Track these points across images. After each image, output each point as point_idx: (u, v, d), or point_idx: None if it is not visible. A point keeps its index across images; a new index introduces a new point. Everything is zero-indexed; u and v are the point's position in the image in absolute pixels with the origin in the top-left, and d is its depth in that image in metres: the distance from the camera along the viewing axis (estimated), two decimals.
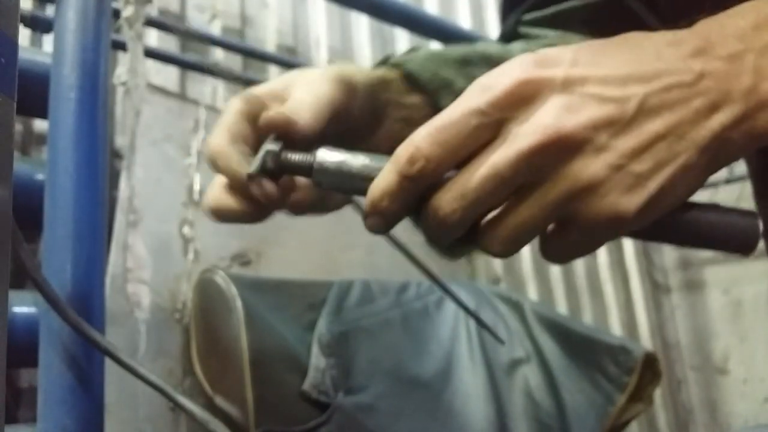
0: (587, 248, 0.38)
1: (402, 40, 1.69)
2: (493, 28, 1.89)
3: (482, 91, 0.35)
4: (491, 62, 0.55)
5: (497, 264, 1.63)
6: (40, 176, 0.79)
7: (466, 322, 1.13)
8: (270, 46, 1.42)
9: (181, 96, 1.19)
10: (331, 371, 0.93)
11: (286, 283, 1.02)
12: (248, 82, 1.32)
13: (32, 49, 1.02)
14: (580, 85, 0.35)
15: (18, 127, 1.08)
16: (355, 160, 0.40)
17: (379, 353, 1.00)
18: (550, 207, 0.35)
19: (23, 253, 0.57)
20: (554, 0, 0.64)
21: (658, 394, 1.86)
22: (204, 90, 1.28)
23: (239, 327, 0.89)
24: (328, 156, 0.40)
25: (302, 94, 0.45)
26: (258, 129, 0.44)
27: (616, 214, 0.35)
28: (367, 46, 1.61)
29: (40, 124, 1.09)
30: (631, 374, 1.15)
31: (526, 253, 1.71)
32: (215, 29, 1.33)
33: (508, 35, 0.67)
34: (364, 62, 1.60)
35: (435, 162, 0.36)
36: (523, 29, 0.65)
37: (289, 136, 0.43)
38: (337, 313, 1.01)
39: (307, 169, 0.41)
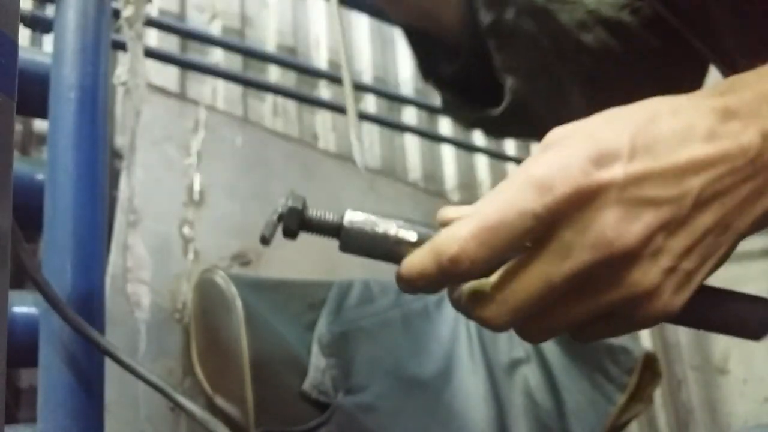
0: (619, 334, 0.38)
1: (402, 40, 1.69)
2: None
3: (540, 193, 0.33)
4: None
5: None
6: (40, 176, 0.79)
7: (466, 322, 1.13)
8: (270, 46, 1.42)
9: (181, 96, 1.19)
10: (331, 371, 0.93)
11: (286, 283, 1.02)
12: (248, 83, 1.32)
13: (32, 49, 1.02)
14: (637, 187, 0.33)
15: (18, 127, 1.08)
16: (387, 224, 0.38)
17: (379, 353, 1.00)
18: (602, 311, 0.35)
19: (23, 253, 0.57)
20: None
21: (658, 394, 1.86)
22: (204, 90, 1.28)
23: (239, 327, 0.89)
24: (357, 217, 0.38)
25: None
26: None
27: (665, 313, 0.35)
28: (367, 46, 1.61)
29: (40, 124, 1.09)
30: (631, 374, 1.15)
31: None
32: (215, 29, 1.33)
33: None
34: (364, 62, 1.60)
35: (480, 264, 0.34)
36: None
37: None
38: (337, 313, 1.01)
39: (335, 230, 0.39)
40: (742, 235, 0.36)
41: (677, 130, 0.34)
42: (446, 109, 0.62)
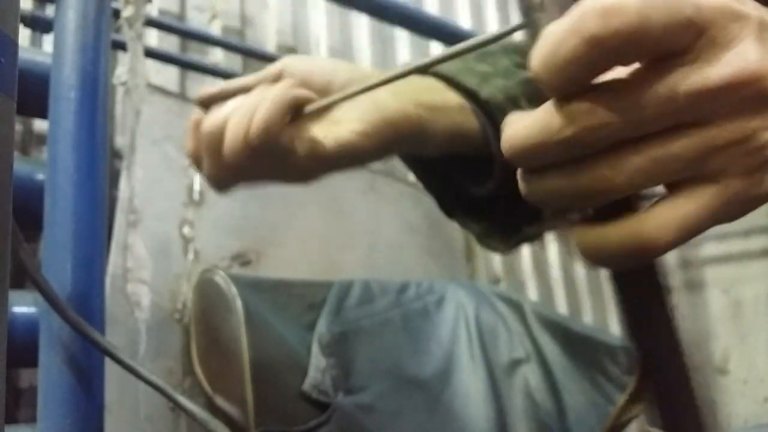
0: (714, 223, 0.30)
1: (402, 40, 1.69)
2: (492, 27, 1.90)
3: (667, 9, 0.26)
4: (511, 50, 0.55)
5: (497, 264, 1.63)
6: (40, 176, 0.79)
7: (466, 322, 1.13)
8: (270, 46, 1.42)
9: (181, 96, 1.19)
10: (331, 371, 0.93)
11: (286, 283, 1.02)
12: None
13: (32, 49, 1.02)
14: None
15: (18, 127, 1.08)
16: None
17: (379, 353, 1.00)
18: (720, 143, 0.28)
19: (23, 253, 0.57)
20: None
21: None
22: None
23: (239, 327, 0.89)
24: None
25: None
26: None
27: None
28: (367, 46, 1.61)
29: (40, 124, 1.09)
30: (631, 374, 1.15)
31: (526, 253, 1.71)
32: (215, 29, 1.33)
33: None
34: (364, 62, 1.60)
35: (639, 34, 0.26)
36: None
37: None
38: (337, 313, 1.01)
39: None
40: None
41: None
42: (482, 241, 0.62)
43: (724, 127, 0.27)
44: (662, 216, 0.28)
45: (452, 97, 0.53)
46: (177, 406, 0.59)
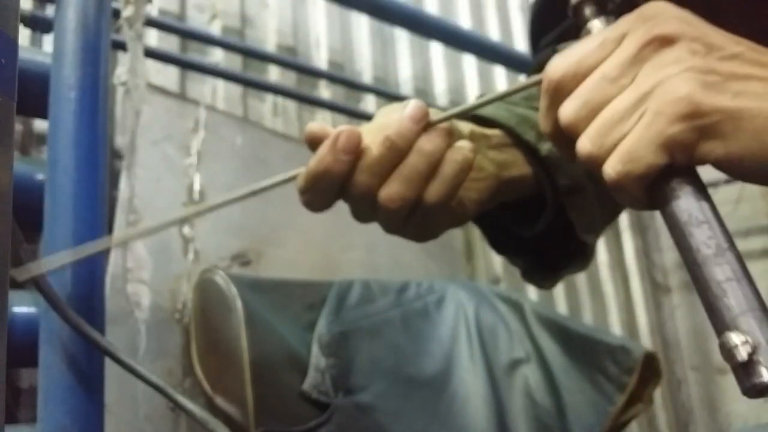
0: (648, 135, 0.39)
1: (402, 40, 1.69)
2: (492, 27, 1.89)
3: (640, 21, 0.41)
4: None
5: (497, 264, 1.63)
6: (40, 176, 0.80)
7: (466, 322, 1.13)
8: (270, 46, 1.42)
9: (181, 96, 1.19)
10: (331, 371, 0.93)
11: (286, 283, 1.02)
12: (248, 83, 1.32)
13: (32, 49, 1.02)
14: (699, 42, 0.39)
15: (18, 127, 1.08)
16: None
17: (379, 353, 1.00)
18: (638, 96, 0.39)
19: (23, 253, 0.57)
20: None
21: (658, 394, 1.86)
22: (204, 90, 1.28)
23: (239, 327, 0.89)
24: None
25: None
26: None
27: (687, 99, 0.37)
28: (367, 46, 1.61)
29: (40, 124, 1.09)
30: (631, 374, 1.15)
31: None
32: (215, 29, 1.33)
33: (545, 61, 0.70)
34: (364, 62, 1.60)
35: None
36: None
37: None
38: (337, 313, 1.01)
39: None
40: None
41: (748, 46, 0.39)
42: (526, 276, 0.67)
43: (647, 75, 0.39)
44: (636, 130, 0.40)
45: (514, 152, 0.58)
46: (177, 406, 0.60)
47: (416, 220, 0.51)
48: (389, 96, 1.54)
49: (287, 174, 0.50)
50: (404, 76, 1.67)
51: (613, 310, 1.89)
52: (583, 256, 0.63)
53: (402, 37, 1.69)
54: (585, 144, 0.40)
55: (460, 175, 0.49)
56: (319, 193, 0.50)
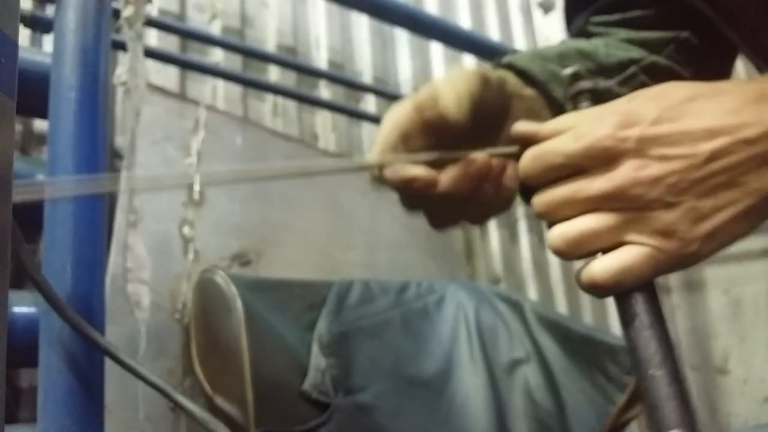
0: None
1: (402, 40, 1.69)
2: (492, 28, 1.89)
3: (575, 140, 0.44)
4: (584, 56, 0.62)
5: (497, 264, 1.63)
6: (40, 176, 0.80)
7: (466, 322, 1.13)
8: (270, 46, 1.42)
9: (181, 96, 1.19)
10: (331, 371, 0.93)
11: (286, 283, 1.02)
12: (248, 83, 1.32)
13: (32, 49, 1.02)
14: (652, 146, 0.41)
15: (18, 127, 1.08)
16: None
17: (379, 353, 1.00)
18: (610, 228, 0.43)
19: (23, 253, 0.57)
20: (619, 4, 0.68)
21: None
22: (204, 90, 1.28)
23: (239, 327, 0.89)
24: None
25: (447, 91, 0.50)
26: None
27: (685, 250, 0.41)
28: (367, 46, 1.61)
29: (40, 124, 1.09)
30: (631, 374, 1.15)
31: (526, 253, 1.71)
32: (215, 29, 1.33)
33: (579, 32, 0.72)
34: (364, 62, 1.60)
35: (536, 179, 0.46)
36: (593, 29, 0.70)
37: (442, 129, 0.49)
38: (337, 313, 1.01)
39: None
40: (761, 197, 0.41)
41: (708, 106, 0.41)
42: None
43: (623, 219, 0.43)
44: (603, 261, 0.43)
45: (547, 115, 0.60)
46: (177, 406, 0.60)
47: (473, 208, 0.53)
48: (389, 96, 1.54)
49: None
50: (404, 76, 1.67)
51: (613, 310, 1.89)
52: None
53: (402, 37, 1.69)
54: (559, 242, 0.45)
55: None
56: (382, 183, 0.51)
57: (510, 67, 0.60)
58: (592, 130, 0.43)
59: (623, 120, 0.42)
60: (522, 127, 0.49)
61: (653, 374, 0.42)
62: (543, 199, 0.46)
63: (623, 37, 0.66)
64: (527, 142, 0.48)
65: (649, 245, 0.42)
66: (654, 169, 0.41)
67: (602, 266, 0.43)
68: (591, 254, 0.44)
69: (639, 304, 0.43)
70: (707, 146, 0.40)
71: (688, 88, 0.43)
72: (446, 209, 0.52)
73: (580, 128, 0.44)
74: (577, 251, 0.44)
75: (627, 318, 0.44)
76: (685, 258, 0.42)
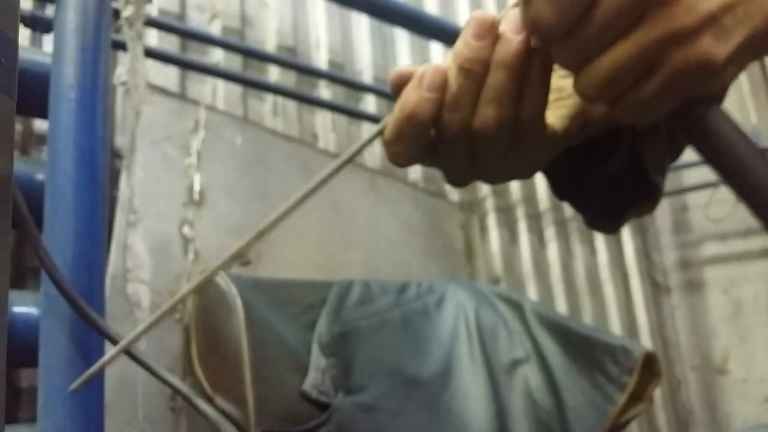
0: (668, 100, 0.40)
1: (402, 40, 1.69)
2: None
3: None
4: None
5: (497, 264, 1.63)
6: (40, 176, 0.80)
7: (466, 322, 1.13)
8: (270, 46, 1.42)
9: (181, 96, 1.19)
10: (331, 371, 0.93)
11: (286, 283, 1.02)
12: (248, 83, 1.32)
13: (32, 49, 1.02)
14: None
15: (18, 127, 1.08)
16: None
17: (379, 353, 1.00)
18: (644, 49, 0.38)
19: (41, 252, 0.57)
20: None
21: (658, 394, 1.86)
22: (204, 90, 1.28)
23: (239, 327, 0.89)
24: None
25: None
26: None
27: (707, 60, 0.38)
28: (367, 46, 1.61)
29: (40, 124, 1.09)
30: (631, 374, 1.15)
31: (526, 253, 1.71)
32: (215, 29, 1.33)
33: None
34: (364, 62, 1.60)
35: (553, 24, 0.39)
36: None
37: None
38: (337, 313, 1.01)
39: None
40: None
41: None
42: (593, 225, 0.65)
43: (652, 29, 0.38)
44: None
45: None
46: (193, 407, 0.59)
47: (516, 149, 0.47)
48: (389, 96, 1.54)
49: (376, 129, 0.46)
50: None
51: (613, 310, 1.89)
52: (652, 198, 0.61)
53: (402, 37, 1.69)
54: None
55: (545, 75, 0.46)
56: (408, 140, 0.46)
57: None
58: None
59: None
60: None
61: (755, 176, 0.39)
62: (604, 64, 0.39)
63: None
64: None
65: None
66: None
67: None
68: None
69: (717, 117, 0.41)
70: None
71: None
72: (483, 151, 0.46)
73: None
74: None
75: (713, 137, 0.41)
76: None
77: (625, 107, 0.40)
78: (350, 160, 0.47)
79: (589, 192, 0.61)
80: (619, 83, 0.39)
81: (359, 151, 0.47)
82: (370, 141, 0.47)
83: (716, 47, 0.37)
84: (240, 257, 0.48)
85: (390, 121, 0.46)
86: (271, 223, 0.47)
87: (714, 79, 0.39)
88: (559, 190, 0.63)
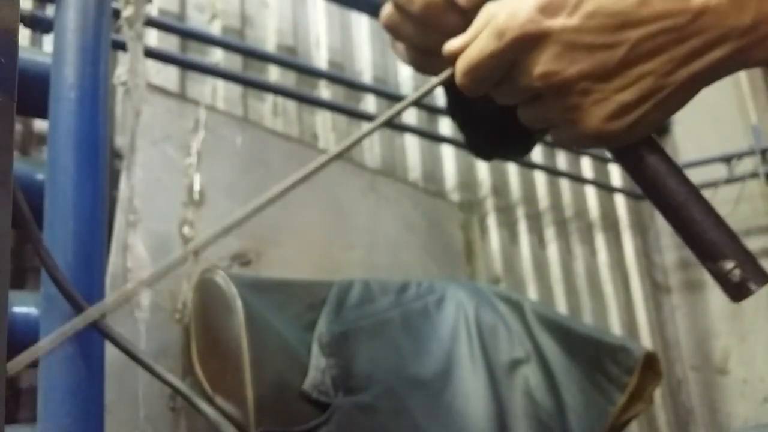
0: (568, 140, 0.46)
1: None
2: None
3: (497, 39, 0.43)
4: None
5: (497, 264, 1.63)
6: (40, 176, 0.79)
7: (466, 322, 1.13)
8: (270, 46, 1.42)
9: (181, 96, 1.19)
10: (331, 371, 0.93)
11: (286, 283, 1.02)
12: (248, 83, 1.32)
13: (32, 49, 1.02)
14: (576, 34, 0.41)
15: (18, 127, 1.08)
16: None
17: (379, 353, 1.00)
18: (547, 122, 0.45)
19: (42, 251, 0.57)
20: None
21: (658, 394, 1.86)
22: (204, 90, 1.28)
23: (239, 327, 0.89)
24: None
25: None
26: None
27: (598, 133, 0.42)
28: (367, 46, 1.61)
29: (40, 124, 1.09)
30: (631, 374, 1.15)
31: (526, 253, 1.71)
32: (215, 29, 1.33)
33: None
34: (364, 62, 1.60)
35: (471, 89, 0.47)
36: None
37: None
38: (337, 313, 1.01)
39: None
40: (696, 81, 0.40)
41: None
42: (471, 146, 0.69)
43: (548, 110, 0.44)
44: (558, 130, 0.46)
45: None
46: (193, 407, 0.59)
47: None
48: (389, 96, 1.54)
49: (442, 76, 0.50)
50: (404, 76, 1.67)
51: (613, 310, 1.89)
52: (527, 144, 0.65)
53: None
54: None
55: None
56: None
57: None
58: (512, 20, 0.42)
59: (543, 6, 0.41)
60: (450, 45, 0.47)
61: (685, 215, 0.43)
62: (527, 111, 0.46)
63: None
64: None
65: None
66: (579, 60, 0.41)
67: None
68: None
69: (643, 158, 0.44)
70: (632, 34, 0.40)
71: None
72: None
73: (496, 23, 0.43)
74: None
75: (643, 174, 0.45)
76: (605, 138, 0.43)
77: (554, 139, 0.47)
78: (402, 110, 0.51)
79: (474, 113, 0.63)
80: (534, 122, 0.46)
81: (425, 94, 0.51)
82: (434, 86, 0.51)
83: (609, 124, 0.42)
84: (235, 228, 0.49)
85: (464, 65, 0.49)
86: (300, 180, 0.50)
87: (615, 144, 0.44)
88: (452, 109, 0.66)
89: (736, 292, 0.43)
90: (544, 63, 0.42)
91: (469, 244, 1.60)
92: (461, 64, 0.46)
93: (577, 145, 0.46)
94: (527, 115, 0.46)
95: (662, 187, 0.44)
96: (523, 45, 0.42)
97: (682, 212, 0.43)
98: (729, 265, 0.42)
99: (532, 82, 0.42)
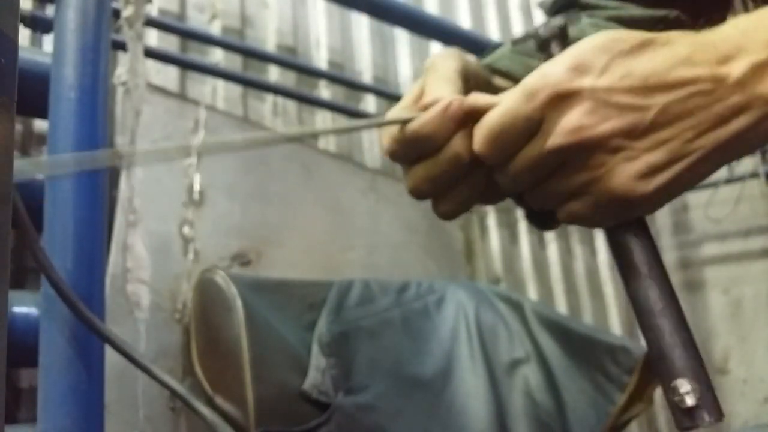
0: (600, 222, 0.46)
1: (402, 40, 1.69)
2: (492, 27, 1.89)
3: (528, 100, 0.43)
4: (568, 43, 0.61)
5: (497, 264, 1.63)
6: (40, 176, 0.80)
7: (466, 322, 1.13)
8: (270, 46, 1.42)
9: (181, 96, 1.19)
10: (331, 371, 0.93)
11: (286, 283, 1.02)
12: (248, 83, 1.32)
13: (32, 49, 1.02)
14: (607, 94, 0.41)
15: (18, 127, 1.08)
16: None
17: (379, 353, 1.00)
18: (573, 188, 0.44)
19: (39, 252, 0.57)
20: None
21: (658, 394, 1.86)
22: (204, 90, 1.28)
23: (239, 327, 0.89)
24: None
25: (438, 89, 0.49)
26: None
27: (625, 195, 0.42)
28: (367, 46, 1.61)
29: (40, 124, 1.09)
30: (631, 374, 1.15)
31: (526, 253, 1.71)
32: (215, 29, 1.33)
33: (567, 4, 0.70)
34: (364, 62, 1.60)
35: (495, 158, 0.45)
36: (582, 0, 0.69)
37: None
38: (337, 313, 1.01)
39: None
40: (722, 148, 0.41)
41: (660, 55, 0.41)
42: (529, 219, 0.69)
43: (575, 173, 0.43)
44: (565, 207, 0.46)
45: None
46: (190, 409, 0.59)
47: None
48: (389, 96, 1.54)
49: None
50: (404, 76, 1.67)
51: (613, 310, 1.89)
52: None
53: (402, 37, 1.69)
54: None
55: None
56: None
57: (489, 67, 0.59)
58: (543, 82, 0.42)
59: (574, 67, 0.42)
60: (471, 101, 0.46)
61: (656, 323, 0.42)
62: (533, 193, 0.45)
63: (611, 15, 0.64)
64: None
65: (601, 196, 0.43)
66: (610, 118, 0.41)
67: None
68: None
69: (633, 250, 0.44)
70: (661, 98, 0.40)
71: (638, 35, 0.42)
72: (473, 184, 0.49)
73: (527, 85, 0.43)
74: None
75: (624, 266, 0.44)
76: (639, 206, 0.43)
77: (562, 217, 0.47)
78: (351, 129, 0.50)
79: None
80: (553, 203, 0.46)
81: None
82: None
83: (639, 184, 0.42)
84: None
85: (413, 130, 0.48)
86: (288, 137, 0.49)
87: (641, 209, 0.44)
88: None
89: (687, 417, 0.41)
90: (577, 119, 0.42)
91: (469, 244, 1.60)
92: (482, 133, 0.45)
93: (594, 214, 0.44)
94: (537, 197, 0.46)
95: (644, 290, 0.43)
96: (556, 103, 0.42)
97: (656, 319, 0.42)
98: (686, 387, 0.41)
99: (563, 140, 0.42)
